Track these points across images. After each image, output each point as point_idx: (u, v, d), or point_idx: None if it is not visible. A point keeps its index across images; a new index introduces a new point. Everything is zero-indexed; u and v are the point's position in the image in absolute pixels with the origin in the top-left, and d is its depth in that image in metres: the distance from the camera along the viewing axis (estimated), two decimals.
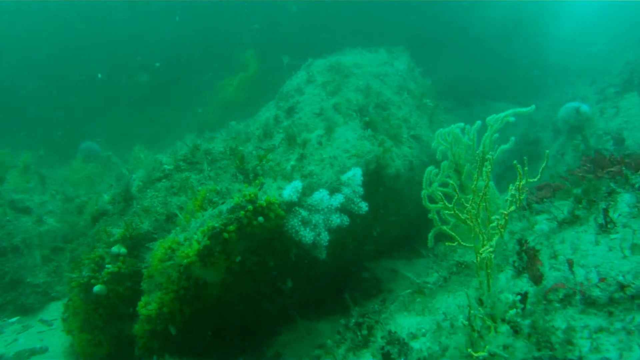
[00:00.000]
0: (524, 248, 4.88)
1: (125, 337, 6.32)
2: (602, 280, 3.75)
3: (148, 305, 5.62)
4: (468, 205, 5.48)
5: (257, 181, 6.20)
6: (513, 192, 4.44)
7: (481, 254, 4.38)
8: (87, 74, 16.84)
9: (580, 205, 5.34)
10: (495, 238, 4.56)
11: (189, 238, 5.59)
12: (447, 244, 5.35)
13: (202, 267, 5.38)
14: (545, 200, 6.22)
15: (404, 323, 5.22)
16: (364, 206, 6.33)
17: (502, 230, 4.55)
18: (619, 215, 4.77)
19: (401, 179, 8.19)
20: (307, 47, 12.92)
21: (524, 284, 4.60)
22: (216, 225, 5.40)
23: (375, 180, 7.37)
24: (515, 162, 4.51)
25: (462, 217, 5.51)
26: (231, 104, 14.88)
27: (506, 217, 4.43)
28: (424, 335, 4.67)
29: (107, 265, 6.08)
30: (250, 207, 5.48)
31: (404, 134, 8.32)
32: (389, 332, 4.62)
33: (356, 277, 8.24)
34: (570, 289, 3.83)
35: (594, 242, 4.50)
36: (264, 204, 5.53)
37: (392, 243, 9.22)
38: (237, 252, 5.63)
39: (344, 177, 6.38)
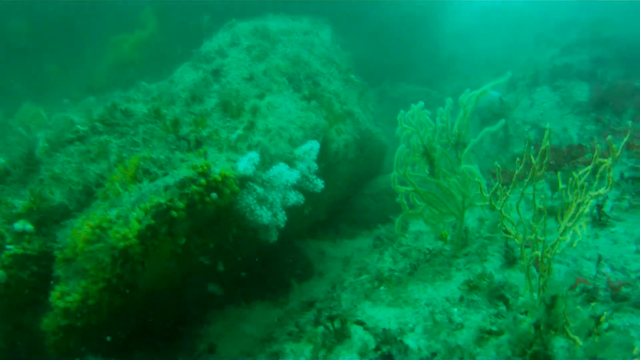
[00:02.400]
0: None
1: (24, 332, 5.18)
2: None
3: (67, 296, 4.56)
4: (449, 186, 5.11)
5: (200, 150, 5.31)
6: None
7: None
8: None
9: (555, 196, 5.19)
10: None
11: (123, 215, 4.61)
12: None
13: (142, 251, 4.45)
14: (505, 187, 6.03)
15: (376, 315, 4.72)
16: (320, 184, 5.73)
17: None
18: (611, 209, 4.65)
19: (339, 156, 7.69)
20: (217, 9, 11.82)
21: (520, 275, 4.30)
22: (162, 201, 4.48)
23: (320, 155, 6.76)
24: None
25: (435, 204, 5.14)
26: (126, 63, 13.29)
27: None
28: (412, 330, 4.20)
29: (7, 246, 4.86)
30: (202, 180, 4.62)
31: (337, 109, 7.77)
32: (384, 329, 4.08)
33: (287, 258, 7.64)
34: (591, 284, 3.55)
35: (592, 236, 4.31)
36: (219, 178, 4.70)
37: (318, 222, 8.73)
38: (182, 234, 4.75)
39: (298, 151, 5.70)
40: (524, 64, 14.25)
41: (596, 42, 14.00)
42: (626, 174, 5.48)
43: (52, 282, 4.80)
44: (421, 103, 5.05)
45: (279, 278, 7.29)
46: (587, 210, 3.16)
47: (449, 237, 5.60)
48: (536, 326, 3.19)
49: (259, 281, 7.18)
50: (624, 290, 3.43)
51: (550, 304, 3.02)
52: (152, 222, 4.40)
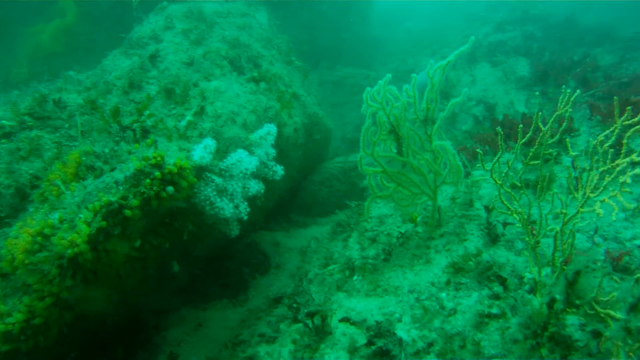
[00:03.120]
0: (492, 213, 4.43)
1: None
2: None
3: (6, 317, 3.96)
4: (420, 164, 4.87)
5: (148, 140, 4.79)
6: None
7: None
8: None
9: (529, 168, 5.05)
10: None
11: (67, 219, 4.06)
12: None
13: (94, 257, 3.93)
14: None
15: (356, 307, 4.42)
16: (279, 170, 5.36)
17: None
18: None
19: (290, 141, 7.32)
20: None
21: (506, 253, 4.12)
22: (113, 199, 3.96)
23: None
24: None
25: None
26: (47, 54, 12.24)
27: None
28: (400, 321, 3.94)
29: None
30: (157, 173, 4.14)
31: (286, 92, 7.39)
32: (377, 322, 3.77)
33: (242, 252, 7.22)
34: (589, 257, 3.41)
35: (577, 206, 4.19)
36: (174, 170, 4.23)
37: (269, 212, 8.33)
38: (137, 235, 4.26)
39: (253, 136, 5.29)
40: (459, 42, 14.35)
41: (526, 19, 14.33)
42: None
43: None
44: (388, 76, 4.75)
45: (235, 274, 6.87)
46: (628, 179, 2.92)
47: (419, 219, 5.39)
48: (550, 305, 3.00)
49: (215, 279, 6.73)
50: (625, 259, 3.31)
51: (573, 280, 2.84)
52: (104, 224, 3.88)
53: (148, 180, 4.09)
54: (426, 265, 4.54)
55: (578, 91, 4.49)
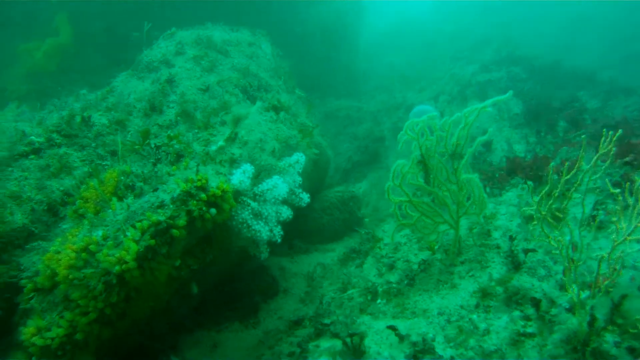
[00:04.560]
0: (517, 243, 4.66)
1: None
2: None
3: (46, 332, 3.95)
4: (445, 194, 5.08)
5: (183, 163, 4.89)
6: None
7: None
8: None
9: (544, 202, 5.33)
10: None
11: (111, 236, 4.10)
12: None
13: (140, 275, 3.97)
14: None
15: (385, 328, 4.55)
16: (305, 197, 5.50)
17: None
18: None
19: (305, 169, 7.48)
20: (140, 16, 11.10)
21: (530, 279, 4.34)
22: (161, 219, 4.04)
23: None
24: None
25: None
26: (39, 72, 12.18)
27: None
28: (433, 340, 4.08)
29: None
30: (203, 195, 4.24)
31: (306, 122, 7.60)
32: (424, 339, 3.90)
33: (251, 277, 7.27)
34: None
35: (593, 237, 4.46)
36: (218, 192, 4.34)
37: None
38: (178, 255, 4.32)
39: (282, 164, 5.43)
40: (447, 79, 14.87)
41: (512, 61, 14.97)
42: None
43: (16, 317, 4.18)
44: (436, 113, 5.03)
45: (246, 297, 6.91)
46: None
47: (436, 247, 5.59)
48: (590, 323, 3.21)
49: (226, 301, 6.76)
50: None
51: (619, 302, 3.05)
52: (152, 242, 3.95)
53: (194, 202, 4.18)
54: (452, 290, 4.72)
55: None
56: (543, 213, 3.82)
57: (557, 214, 4.38)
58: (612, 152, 3.54)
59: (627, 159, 5.69)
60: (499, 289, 4.36)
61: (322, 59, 17.11)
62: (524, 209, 5.62)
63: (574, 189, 3.91)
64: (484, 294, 4.38)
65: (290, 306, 6.84)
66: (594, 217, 4.82)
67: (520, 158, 6.81)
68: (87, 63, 12.83)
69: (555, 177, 5.96)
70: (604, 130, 4.09)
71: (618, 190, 3.56)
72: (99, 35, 13.06)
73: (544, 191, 3.90)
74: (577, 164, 3.73)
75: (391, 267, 5.75)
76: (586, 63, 16.22)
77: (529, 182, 6.10)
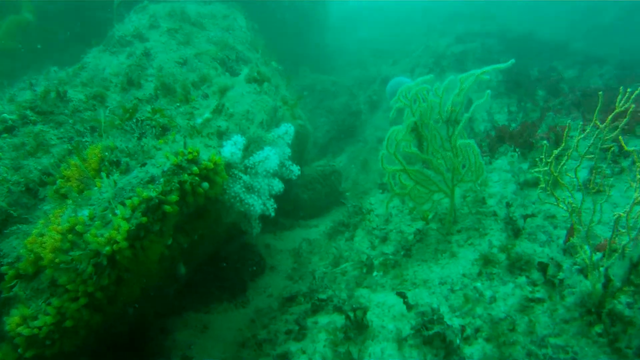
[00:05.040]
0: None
1: None
2: None
3: (32, 320, 3.71)
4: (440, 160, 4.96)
5: (169, 137, 4.64)
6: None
7: None
8: None
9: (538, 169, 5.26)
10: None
11: (98, 215, 3.86)
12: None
13: (132, 255, 3.75)
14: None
15: (387, 301, 4.45)
16: (296, 169, 5.31)
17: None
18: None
19: None
20: None
21: (532, 245, 4.28)
22: (153, 195, 3.80)
23: None
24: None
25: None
26: (1, 51, 11.56)
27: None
28: (438, 310, 3.98)
29: None
30: (195, 168, 4.01)
31: (286, 94, 7.37)
32: (432, 309, 3.79)
33: (238, 253, 7.09)
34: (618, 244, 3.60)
35: (592, 202, 4.40)
36: (211, 165, 4.11)
37: None
38: (170, 232, 4.11)
39: (270, 135, 5.23)
40: (421, 51, 14.74)
41: (485, 32, 14.92)
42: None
43: None
44: (431, 75, 4.88)
45: (233, 276, 6.73)
46: None
47: (430, 216, 5.49)
48: (605, 285, 3.15)
49: (213, 281, 6.57)
50: None
51: (637, 262, 2.99)
52: (144, 219, 3.72)
53: (186, 176, 3.96)
54: (452, 259, 4.63)
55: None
56: (555, 174, 3.72)
57: (558, 178, 4.31)
58: (630, 110, 3.42)
59: (615, 123, 5.66)
60: (501, 256, 4.28)
61: (294, 34, 16.81)
62: (528, 174, 5.50)
63: (571, 151, 3.83)
64: (486, 261, 4.30)
65: (278, 283, 6.69)
66: (589, 182, 4.77)
67: (506, 126, 6.75)
68: (53, 41, 12.23)
69: (546, 142, 5.90)
70: (600, 93, 4.02)
71: (633, 149, 3.48)
72: (65, 11, 12.46)
73: (554, 153, 3.79)
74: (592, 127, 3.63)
75: (384, 239, 5.64)
76: (555, 35, 16.32)
77: (519, 150, 6.05)
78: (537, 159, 5.50)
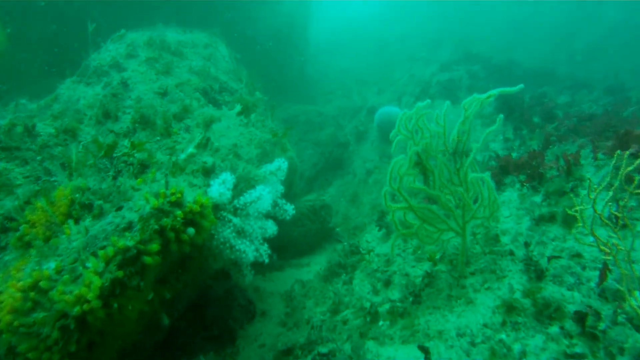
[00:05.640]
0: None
1: None
2: None
3: None
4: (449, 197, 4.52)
5: (149, 175, 4.14)
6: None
7: None
8: None
9: (549, 201, 4.88)
10: None
11: (67, 268, 3.32)
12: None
13: (106, 316, 3.21)
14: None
15: (397, 355, 3.94)
16: (290, 209, 4.84)
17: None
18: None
19: None
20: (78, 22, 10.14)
21: (559, 288, 3.83)
22: (130, 244, 3.29)
23: None
24: None
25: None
26: None
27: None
28: None
29: None
30: (179, 212, 3.51)
31: (274, 125, 6.94)
32: None
33: (225, 298, 6.51)
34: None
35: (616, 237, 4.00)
36: (196, 208, 3.62)
37: None
38: (150, 285, 3.58)
39: (261, 172, 4.76)
40: (406, 80, 14.52)
41: (469, 59, 14.79)
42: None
43: None
44: (428, 101, 4.47)
45: (220, 323, 6.14)
46: None
47: (437, 257, 5.04)
48: None
49: (198, 330, 5.98)
50: None
51: None
52: (120, 274, 3.19)
53: (168, 221, 3.45)
54: (469, 306, 4.15)
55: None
56: (598, 212, 3.30)
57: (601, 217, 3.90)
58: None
59: (631, 150, 5.32)
60: (526, 302, 3.82)
61: (275, 63, 16.59)
62: (542, 207, 5.05)
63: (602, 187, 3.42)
64: (509, 308, 3.84)
65: (271, 331, 6.13)
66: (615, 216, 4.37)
67: (508, 156, 6.38)
68: (24, 71, 11.73)
69: (556, 173, 5.53)
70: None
71: None
72: (38, 41, 12.00)
73: (599, 188, 3.37)
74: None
75: (387, 282, 5.14)
76: (536, 60, 16.30)
77: (526, 180, 5.67)
78: (550, 191, 5.14)
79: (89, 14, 10.83)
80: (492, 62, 14.85)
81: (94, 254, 3.29)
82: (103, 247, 3.31)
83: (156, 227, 3.39)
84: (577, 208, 3.38)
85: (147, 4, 12.79)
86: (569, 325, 3.43)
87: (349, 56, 23.70)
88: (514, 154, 7.18)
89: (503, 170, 6.09)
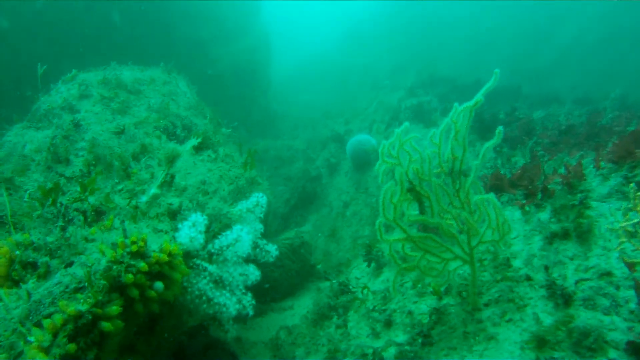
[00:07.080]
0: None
1: None
2: None
3: None
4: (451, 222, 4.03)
5: (105, 222, 3.52)
6: None
7: None
8: None
9: (558, 217, 4.42)
10: None
11: (5, 345, 2.66)
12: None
13: None
14: None
15: None
16: (273, 250, 4.25)
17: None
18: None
19: None
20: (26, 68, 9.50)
21: (593, 313, 3.32)
22: (83, 308, 2.65)
23: None
24: None
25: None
26: None
27: None
28: None
29: None
30: (142, 264, 2.90)
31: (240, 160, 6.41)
32: None
33: (205, 354, 5.81)
34: None
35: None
36: (164, 258, 3.01)
37: None
38: (113, 355, 2.93)
39: (236, 210, 4.18)
40: (374, 107, 14.27)
41: (434, 82, 14.70)
42: None
43: None
44: (406, 124, 3.98)
45: None
46: None
47: (442, 288, 4.51)
48: None
49: None
50: None
51: None
52: (71, 347, 2.55)
53: (130, 276, 2.84)
54: (491, 344, 3.60)
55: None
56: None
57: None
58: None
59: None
60: (559, 334, 3.30)
61: (237, 100, 16.28)
62: (551, 224, 4.57)
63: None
64: (540, 342, 3.30)
65: None
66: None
67: (499, 172, 5.95)
68: None
69: (559, 186, 5.11)
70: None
71: None
72: None
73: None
74: None
75: (388, 322, 4.56)
76: (501, 80, 16.34)
77: (523, 196, 5.24)
78: (557, 207, 4.69)
79: (39, 57, 10.23)
80: (457, 83, 14.77)
81: (39, 324, 2.65)
82: (49, 315, 2.66)
83: (114, 284, 2.77)
84: (623, 223, 2.90)
85: (100, 44, 12.27)
86: (613, 355, 2.92)
87: (313, 90, 23.56)
88: (502, 171, 6.78)
89: (496, 189, 5.66)
